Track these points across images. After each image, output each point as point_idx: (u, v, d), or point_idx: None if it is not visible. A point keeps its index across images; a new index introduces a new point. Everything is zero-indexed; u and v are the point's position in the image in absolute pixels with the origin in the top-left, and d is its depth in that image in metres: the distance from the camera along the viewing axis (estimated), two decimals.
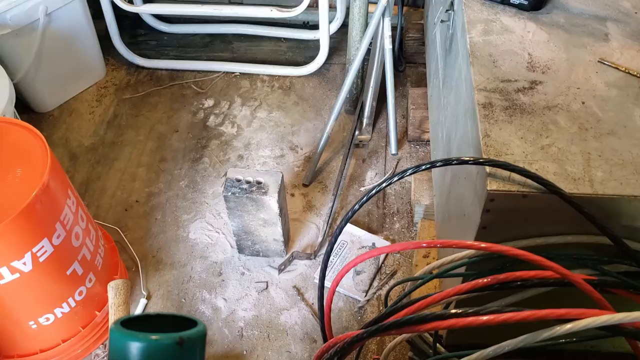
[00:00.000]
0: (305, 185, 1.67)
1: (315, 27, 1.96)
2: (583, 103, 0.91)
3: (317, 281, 1.44)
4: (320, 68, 1.96)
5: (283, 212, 1.40)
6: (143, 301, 1.42)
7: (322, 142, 1.66)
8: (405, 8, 1.93)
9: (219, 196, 1.65)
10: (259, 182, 1.33)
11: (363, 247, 1.50)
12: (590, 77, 0.96)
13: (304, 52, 2.08)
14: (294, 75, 1.99)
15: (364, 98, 1.77)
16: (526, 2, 1.07)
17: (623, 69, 0.97)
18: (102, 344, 1.35)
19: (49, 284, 1.16)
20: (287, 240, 1.51)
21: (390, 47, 1.57)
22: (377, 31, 1.59)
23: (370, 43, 1.69)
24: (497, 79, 0.95)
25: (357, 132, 1.78)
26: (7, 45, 1.66)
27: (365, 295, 1.42)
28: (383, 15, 1.54)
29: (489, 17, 1.07)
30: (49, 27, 1.72)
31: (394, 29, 1.71)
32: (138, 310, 1.41)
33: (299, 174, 1.70)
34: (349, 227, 1.54)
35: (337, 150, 1.76)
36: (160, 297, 1.44)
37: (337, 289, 1.41)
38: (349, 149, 1.73)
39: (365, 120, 1.79)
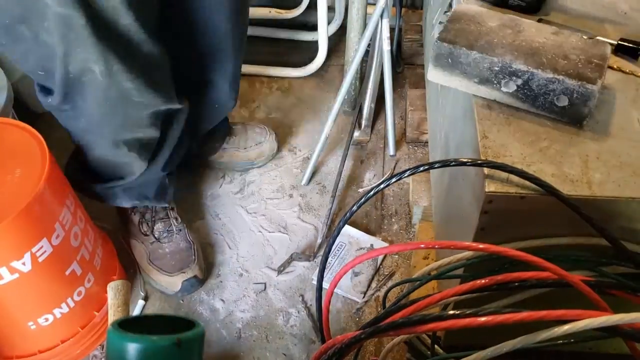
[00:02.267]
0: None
1: (314, 28, 1.96)
2: None
3: (315, 282, 1.44)
4: (319, 69, 1.96)
5: None
6: (141, 302, 1.42)
7: (320, 144, 1.66)
8: (403, 9, 1.94)
9: (217, 197, 1.65)
10: None
11: (361, 248, 1.50)
12: None
13: (302, 53, 2.08)
14: (293, 76, 1.99)
15: (363, 100, 1.77)
16: (524, 4, 1.07)
17: (627, 70, 0.97)
18: (100, 345, 1.35)
19: (48, 284, 1.16)
20: None
21: (389, 48, 1.57)
22: (375, 33, 1.59)
23: (369, 45, 1.69)
24: None
25: (356, 134, 1.78)
26: None
27: (364, 297, 1.42)
28: (381, 16, 1.54)
29: None
30: None
31: (392, 30, 1.71)
32: (136, 312, 1.41)
33: (297, 175, 1.70)
34: (347, 229, 1.54)
35: (335, 151, 1.76)
36: (158, 298, 1.44)
37: (335, 290, 1.41)
38: (347, 150, 1.72)
39: (364, 122, 1.79)
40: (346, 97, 1.74)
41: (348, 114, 1.86)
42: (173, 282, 1.39)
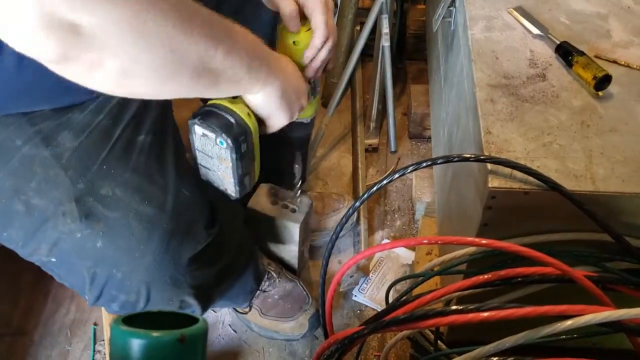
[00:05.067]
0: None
1: None
2: (585, 99, 0.91)
3: (355, 298, 1.43)
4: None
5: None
6: None
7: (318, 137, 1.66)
8: (405, 4, 1.93)
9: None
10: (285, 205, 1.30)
11: (404, 264, 1.47)
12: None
13: None
14: None
15: (370, 101, 1.76)
16: None
17: (634, 66, 0.96)
18: (102, 340, 1.35)
19: None
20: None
21: (388, 44, 1.56)
22: (376, 29, 1.59)
23: (373, 40, 1.69)
24: (498, 76, 0.95)
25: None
26: None
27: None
28: (381, 12, 1.53)
29: (491, 14, 1.07)
30: None
31: (393, 25, 1.71)
32: None
33: None
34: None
35: (338, 146, 1.76)
36: None
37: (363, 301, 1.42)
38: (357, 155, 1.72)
39: (372, 124, 1.77)
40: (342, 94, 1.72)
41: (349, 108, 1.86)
42: (299, 324, 1.31)
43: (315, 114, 1.02)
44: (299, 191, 1.26)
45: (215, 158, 0.85)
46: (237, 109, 0.81)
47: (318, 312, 1.31)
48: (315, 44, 0.89)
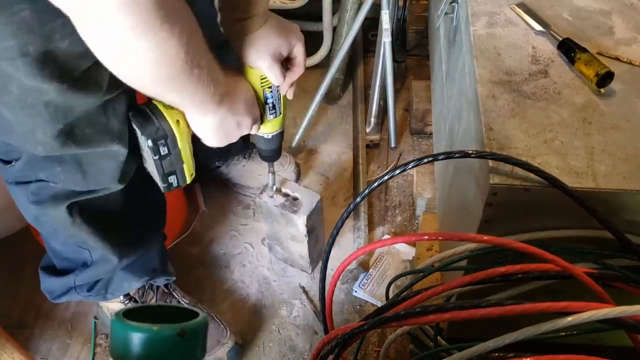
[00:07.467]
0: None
1: (319, 18, 1.94)
2: (587, 96, 0.91)
3: (355, 294, 1.43)
4: (323, 60, 1.95)
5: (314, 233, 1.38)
6: None
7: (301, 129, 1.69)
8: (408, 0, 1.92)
9: None
10: (295, 198, 1.32)
11: (405, 260, 1.48)
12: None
13: (306, 44, 2.06)
14: None
15: (371, 97, 1.75)
16: None
17: (636, 63, 0.96)
18: (104, 334, 1.36)
19: None
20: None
21: (389, 39, 1.56)
22: (378, 25, 1.59)
23: (375, 35, 1.68)
24: (500, 72, 0.95)
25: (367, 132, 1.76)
26: None
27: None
28: (381, 8, 1.53)
29: (493, 10, 1.07)
30: None
31: (397, 20, 1.71)
32: None
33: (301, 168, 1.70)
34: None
35: (338, 141, 1.76)
36: None
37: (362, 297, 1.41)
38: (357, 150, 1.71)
39: (373, 120, 1.76)
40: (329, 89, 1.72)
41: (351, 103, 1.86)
42: (219, 358, 1.29)
43: (278, 131, 1.10)
44: (273, 196, 1.32)
45: (144, 152, 0.91)
46: (168, 115, 0.86)
47: (237, 344, 1.31)
48: (289, 80, 1.04)
